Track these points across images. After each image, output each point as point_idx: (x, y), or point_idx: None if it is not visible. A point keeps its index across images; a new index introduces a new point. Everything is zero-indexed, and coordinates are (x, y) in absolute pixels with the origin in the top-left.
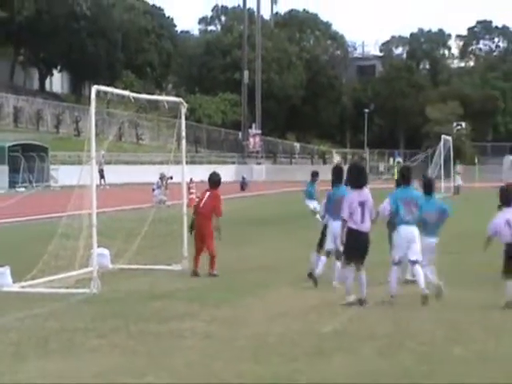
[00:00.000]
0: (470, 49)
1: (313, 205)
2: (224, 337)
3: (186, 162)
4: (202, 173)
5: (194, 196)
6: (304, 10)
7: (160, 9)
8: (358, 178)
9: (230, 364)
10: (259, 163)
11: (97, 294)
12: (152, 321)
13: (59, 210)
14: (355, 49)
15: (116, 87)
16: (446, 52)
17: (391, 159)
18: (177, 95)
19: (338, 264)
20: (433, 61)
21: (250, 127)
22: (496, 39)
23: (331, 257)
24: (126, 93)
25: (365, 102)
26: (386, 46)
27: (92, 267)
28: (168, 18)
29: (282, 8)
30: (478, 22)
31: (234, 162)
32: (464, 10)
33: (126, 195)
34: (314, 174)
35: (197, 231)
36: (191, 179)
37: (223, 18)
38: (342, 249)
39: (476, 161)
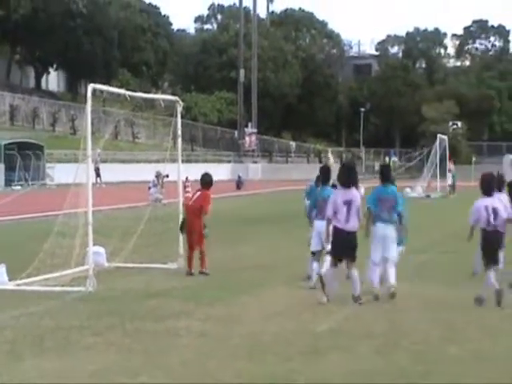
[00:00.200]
0: (466, 48)
1: None
2: (219, 335)
3: (182, 161)
4: (197, 171)
5: (189, 195)
6: (300, 8)
7: (156, 7)
8: (345, 178)
9: (225, 363)
10: (255, 162)
11: (92, 293)
12: (147, 319)
13: (55, 208)
14: (351, 48)
15: (112, 85)
16: (442, 51)
17: (387, 158)
18: (173, 94)
19: (315, 264)
20: (429, 60)
21: (246, 126)
22: (492, 38)
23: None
24: (122, 91)
25: (361, 101)
26: (382, 45)
27: (88, 265)
28: (164, 16)
29: (278, 7)
30: (474, 22)
31: (229, 161)
32: (460, 10)
33: (122, 193)
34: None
35: (187, 229)
36: (187, 178)
37: (219, 17)
38: (328, 247)
39: (473, 160)
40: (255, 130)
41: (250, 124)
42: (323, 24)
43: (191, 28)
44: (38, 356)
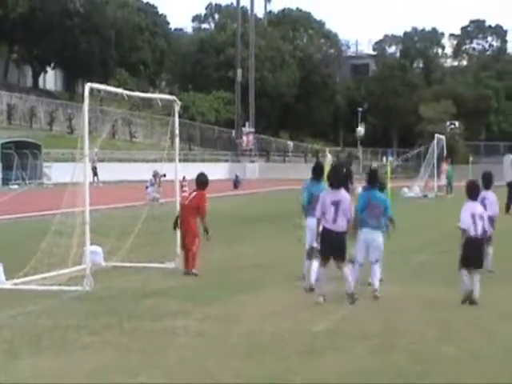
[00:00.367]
0: (464, 48)
1: None
2: (217, 335)
3: (180, 160)
4: (195, 171)
5: (186, 194)
6: (297, 8)
7: (153, 6)
8: (334, 179)
9: (223, 362)
10: (252, 161)
11: (90, 292)
12: (145, 318)
13: (52, 207)
14: (349, 47)
15: (109, 85)
16: (440, 51)
17: (384, 158)
18: (170, 93)
19: (308, 263)
20: (426, 60)
21: (244, 125)
22: (489, 38)
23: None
24: (120, 90)
25: (358, 101)
26: (380, 45)
27: (85, 265)
28: (161, 15)
29: (276, 6)
30: (472, 22)
31: (227, 160)
32: (457, 10)
33: (120, 193)
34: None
35: (181, 228)
36: (184, 177)
37: (217, 16)
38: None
39: (470, 160)
40: (253, 130)
41: (247, 123)
42: (321, 24)
43: (189, 27)
44: (36, 355)
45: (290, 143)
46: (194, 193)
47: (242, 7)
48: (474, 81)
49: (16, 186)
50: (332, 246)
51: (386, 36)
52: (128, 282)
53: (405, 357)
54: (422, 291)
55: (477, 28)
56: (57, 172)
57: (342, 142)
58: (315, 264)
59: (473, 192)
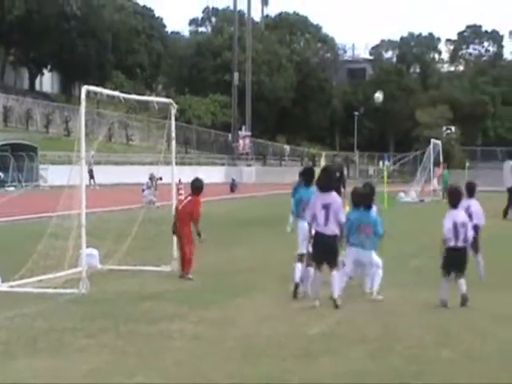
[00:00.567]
0: (460, 53)
1: None
2: (213, 338)
3: (176, 163)
4: (191, 174)
5: (182, 197)
6: (294, 12)
7: (150, 9)
8: (325, 182)
9: (218, 365)
10: (249, 165)
11: (85, 295)
12: (141, 321)
13: (49, 209)
14: (345, 52)
15: (106, 88)
16: (436, 56)
17: (381, 162)
18: (167, 96)
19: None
20: (423, 65)
21: (240, 129)
22: (485, 44)
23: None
24: (116, 93)
25: (355, 105)
26: (376, 50)
27: (81, 267)
28: (158, 18)
29: (273, 10)
30: (468, 27)
31: (223, 164)
32: (454, 15)
33: (116, 196)
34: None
35: (177, 233)
36: (180, 180)
37: (214, 20)
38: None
39: (467, 165)
40: (249, 133)
41: (243, 127)
42: (317, 28)
43: (185, 31)
44: (32, 357)
45: (287, 147)
46: (189, 197)
47: (239, 11)
48: (470, 86)
49: (12, 189)
50: (324, 251)
51: (382, 41)
52: (124, 285)
53: (400, 359)
54: (418, 295)
55: (473, 33)
56: (53, 174)
57: (339, 146)
58: (299, 265)
59: (455, 199)
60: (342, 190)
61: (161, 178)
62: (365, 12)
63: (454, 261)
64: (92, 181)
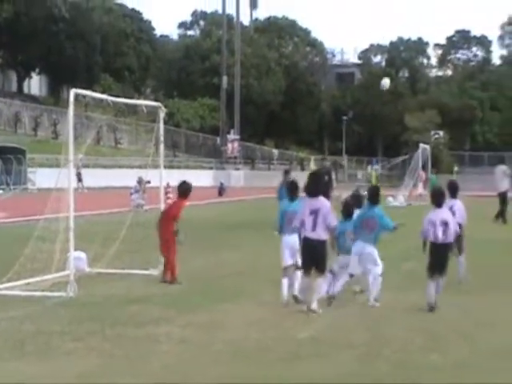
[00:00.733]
0: (449, 58)
1: None
2: (200, 342)
3: (164, 167)
4: (179, 177)
5: (171, 201)
6: (283, 16)
7: (139, 12)
8: (312, 187)
9: (206, 368)
10: (237, 169)
11: (73, 298)
12: (128, 325)
13: (36, 212)
14: (334, 56)
15: (94, 91)
16: (425, 61)
17: (369, 167)
18: (155, 99)
19: (285, 281)
20: (411, 69)
21: (229, 132)
22: (474, 49)
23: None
24: (105, 96)
25: (343, 109)
26: (365, 54)
27: (69, 271)
28: (147, 21)
29: (262, 14)
30: (457, 32)
31: (211, 168)
32: (443, 20)
33: (104, 199)
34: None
35: (159, 236)
36: (168, 184)
37: (202, 23)
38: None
39: (455, 169)
40: (238, 137)
41: (232, 131)
42: (306, 32)
43: (174, 34)
44: (19, 360)
45: (275, 151)
46: (175, 200)
47: (228, 14)
48: (458, 91)
49: (0, 191)
50: (312, 256)
51: (371, 45)
52: (112, 289)
53: (388, 364)
54: (408, 299)
55: (462, 38)
56: (41, 177)
57: (327, 150)
58: (285, 281)
59: (437, 198)
60: (331, 193)
61: (149, 182)
62: (354, 16)
63: (434, 258)
64: (80, 184)
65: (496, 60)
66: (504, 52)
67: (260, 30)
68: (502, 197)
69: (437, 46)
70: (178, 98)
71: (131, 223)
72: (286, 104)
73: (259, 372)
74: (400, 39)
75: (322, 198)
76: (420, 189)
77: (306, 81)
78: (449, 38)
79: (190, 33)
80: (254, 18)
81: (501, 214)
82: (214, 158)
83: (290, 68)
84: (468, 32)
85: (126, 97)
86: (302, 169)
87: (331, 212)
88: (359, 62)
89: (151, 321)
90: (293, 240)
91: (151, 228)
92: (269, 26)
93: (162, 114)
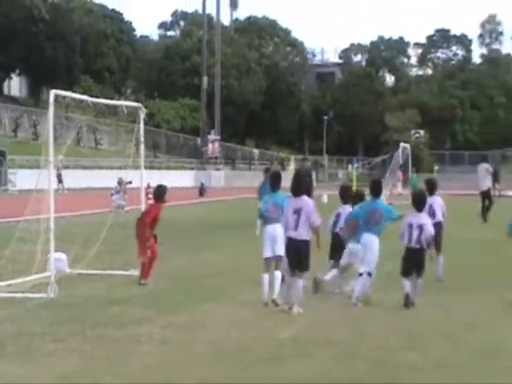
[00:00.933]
0: (429, 57)
1: None
2: (181, 342)
3: (145, 167)
4: (160, 178)
5: (151, 201)
6: (264, 16)
7: (119, 13)
8: (295, 186)
9: (187, 369)
10: (218, 169)
11: (54, 299)
12: (109, 326)
13: (17, 214)
14: (314, 56)
15: (74, 91)
16: (405, 60)
17: (350, 166)
18: (136, 100)
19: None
20: (392, 68)
21: (209, 133)
22: (454, 47)
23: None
24: (85, 97)
25: (324, 109)
26: (346, 54)
27: (49, 272)
28: (127, 22)
29: (242, 14)
30: (437, 31)
31: (192, 168)
32: (424, 19)
33: (85, 200)
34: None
35: (136, 238)
36: (149, 184)
37: (182, 23)
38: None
39: (435, 168)
40: (218, 137)
41: (212, 131)
42: (287, 32)
43: (154, 34)
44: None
45: (256, 151)
46: (151, 205)
47: (208, 14)
48: (439, 90)
49: None
50: (293, 256)
51: (352, 45)
52: (92, 290)
53: (367, 363)
54: (389, 298)
55: (442, 37)
56: (22, 178)
57: (308, 150)
58: (266, 277)
59: (418, 203)
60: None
61: (130, 182)
62: (334, 16)
63: (409, 261)
64: (61, 185)
65: (476, 59)
66: (484, 51)
67: (240, 30)
68: (485, 195)
69: (416, 44)
70: (158, 98)
71: (112, 224)
72: (267, 104)
73: (240, 372)
74: (381, 38)
75: (305, 197)
76: (399, 188)
77: (287, 81)
78: (429, 37)
79: (170, 33)
80: (234, 18)
81: (483, 212)
82: (195, 158)
83: (271, 68)
84: (448, 31)
85: (106, 98)
86: (283, 168)
87: (314, 211)
88: (340, 61)
89: (132, 321)
90: (273, 230)
91: (132, 229)
92: (249, 26)
93: (142, 115)
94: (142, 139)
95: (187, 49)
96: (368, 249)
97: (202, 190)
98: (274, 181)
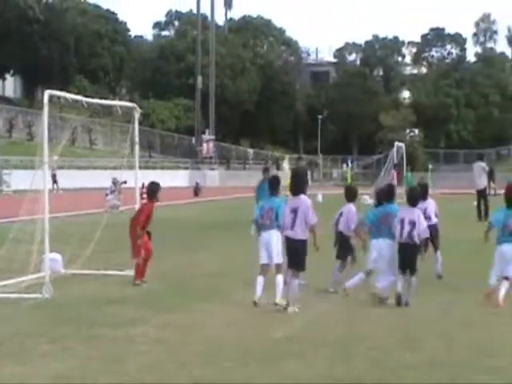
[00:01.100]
0: (423, 56)
1: None
2: (176, 342)
3: (140, 167)
4: (155, 178)
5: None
6: (258, 15)
7: (114, 13)
8: (293, 186)
9: (182, 369)
10: (212, 169)
11: (49, 299)
12: (104, 326)
13: (12, 214)
14: (309, 55)
15: (69, 92)
16: (400, 59)
17: (344, 165)
18: (130, 100)
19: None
20: (387, 67)
21: (204, 133)
22: (448, 46)
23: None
24: (80, 97)
25: (318, 108)
26: (340, 53)
27: (44, 272)
28: (122, 22)
29: (236, 14)
30: (431, 29)
31: (187, 168)
32: (418, 18)
33: (80, 200)
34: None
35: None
36: (143, 184)
37: (177, 23)
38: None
39: (430, 167)
40: (213, 137)
41: (207, 131)
42: (281, 31)
43: (149, 34)
44: None
45: (250, 151)
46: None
47: (203, 14)
48: (433, 89)
49: None
50: (290, 255)
51: (346, 44)
52: (87, 290)
53: (363, 363)
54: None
55: (436, 36)
56: (16, 179)
57: (302, 149)
58: (260, 279)
59: (412, 199)
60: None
61: (125, 182)
62: (329, 15)
63: (402, 256)
64: (55, 185)
65: (471, 57)
66: (478, 49)
67: (235, 29)
68: (481, 194)
69: (410, 43)
70: (153, 98)
71: (107, 224)
72: (261, 103)
73: (235, 372)
74: (375, 37)
75: (302, 196)
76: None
77: (281, 80)
78: (423, 36)
79: (164, 33)
80: (228, 17)
81: (479, 211)
82: (190, 158)
83: (265, 67)
84: (442, 30)
85: (100, 98)
86: (277, 168)
87: (311, 209)
88: (334, 60)
89: (127, 321)
90: (268, 237)
91: (127, 229)
92: (243, 26)
93: (137, 115)
94: (137, 139)
95: (182, 49)
96: (382, 257)
97: (197, 190)
98: (272, 185)
